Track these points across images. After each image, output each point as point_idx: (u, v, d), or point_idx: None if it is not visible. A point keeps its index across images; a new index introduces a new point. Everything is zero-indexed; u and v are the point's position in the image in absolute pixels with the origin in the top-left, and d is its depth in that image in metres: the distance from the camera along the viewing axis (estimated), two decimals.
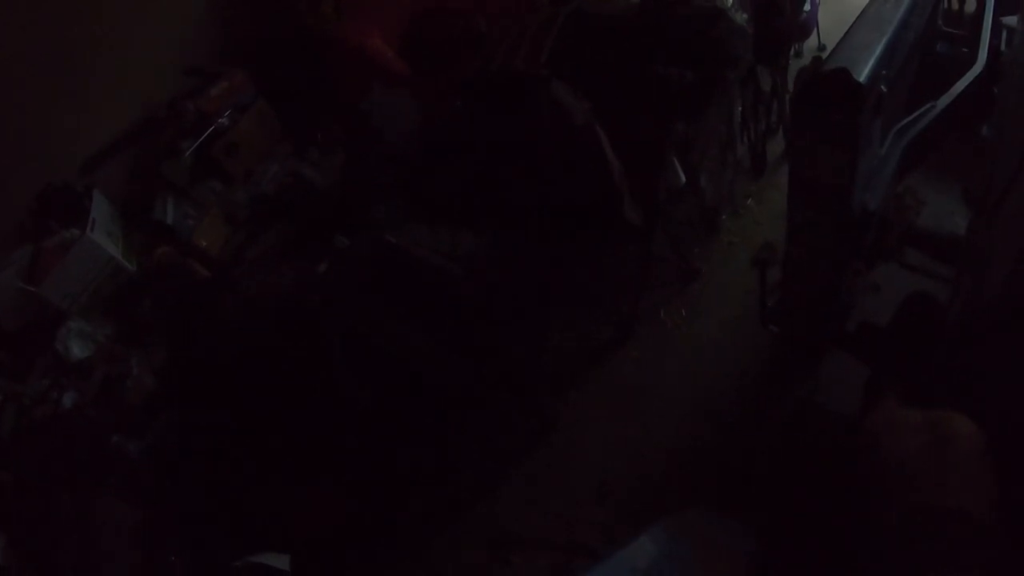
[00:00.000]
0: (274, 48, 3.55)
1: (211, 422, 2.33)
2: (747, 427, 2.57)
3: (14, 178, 2.92)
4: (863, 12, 2.03)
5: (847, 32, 1.94)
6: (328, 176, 3.27)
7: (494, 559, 2.39)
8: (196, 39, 3.47)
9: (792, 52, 3.60)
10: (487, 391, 2.43)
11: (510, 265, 2.41)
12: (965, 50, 2.58)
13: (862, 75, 1.73)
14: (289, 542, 2.17)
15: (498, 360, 2.44)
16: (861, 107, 1.74)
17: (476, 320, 2.36)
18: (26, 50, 2.85)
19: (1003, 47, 2.45)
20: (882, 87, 1.84)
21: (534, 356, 2.67)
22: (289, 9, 3.48)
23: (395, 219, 2.60)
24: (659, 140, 2.64)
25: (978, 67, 2.31)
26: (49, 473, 2.43)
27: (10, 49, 2.80)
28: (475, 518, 2.50)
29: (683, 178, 2.78)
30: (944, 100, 2.21)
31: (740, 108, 3.14)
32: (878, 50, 1.83)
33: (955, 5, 3.02)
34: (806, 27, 3.63)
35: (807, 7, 3.42)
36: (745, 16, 2.75)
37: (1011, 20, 2.48)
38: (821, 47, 3.92)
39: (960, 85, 2.24)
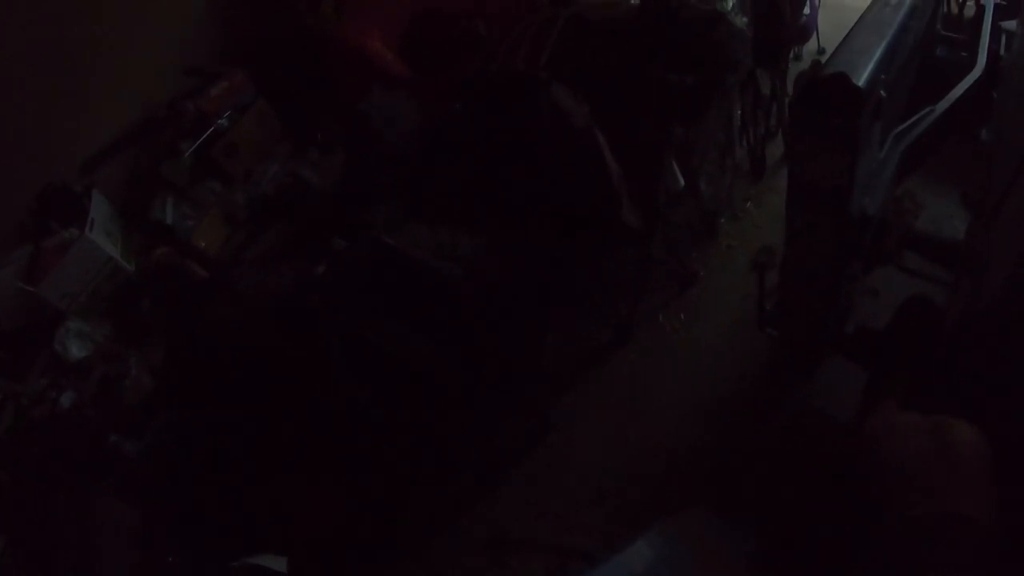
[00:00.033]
0: (274, 48, 3.56)
1: (210, 422, 2.33)
2: (745, 430, 2.57)
3: (13, 178, 2.92)
4: (862, 16, 2.03)
5: (846, 36, 1.94)
6: (327, 177, 3.27)
7: (492, 561, 2.39)
8: (196, 39, 3.47)
9: (792, 56, 3.60)
10: (486, 392, 2.43)
11: (508, 267, 2.41)
12: (964, 54, 2.58)
13: (861, 79, 1.74)
14: (288, 543, 2.17)
15: (497, 361, 2.44)
16: (860, 111, 1.75)
17: (475, 321, 2.36)
18: (26, 50, 2.86)
19: (1002, 51, 2.45)
20: (881, 91, 1.84)
21: (533, 358, 2.67)
22: (289, 9, 3.49)
23: (394, 220, 2.60)
24: (658, 143, 2.64)
25: (977, 71, 2.31)
26: (47, 473, 2.43)
27: (10, 49, 2.80)
28: (473, 519, 2.49)
29: (682, 182, 2.78)
30: (943, 104, 2.22)
31: (739, 111, 3.14)
32: (877, 54, 1.84)
33: (954, 9, 3.03)
34: (806, 31, 3.63)
35: (807, 11, 3.43)
36: (745, 19, 2.75)
37: (1010, 24, 2.48)
38: (821, 51, 3.92)
39: (959, 89, 2.24)
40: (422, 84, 3.16)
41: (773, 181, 3.45)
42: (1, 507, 2.37)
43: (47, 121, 2.99)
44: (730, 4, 2.71)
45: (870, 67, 1.79)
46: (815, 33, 3.80)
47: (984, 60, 2.35)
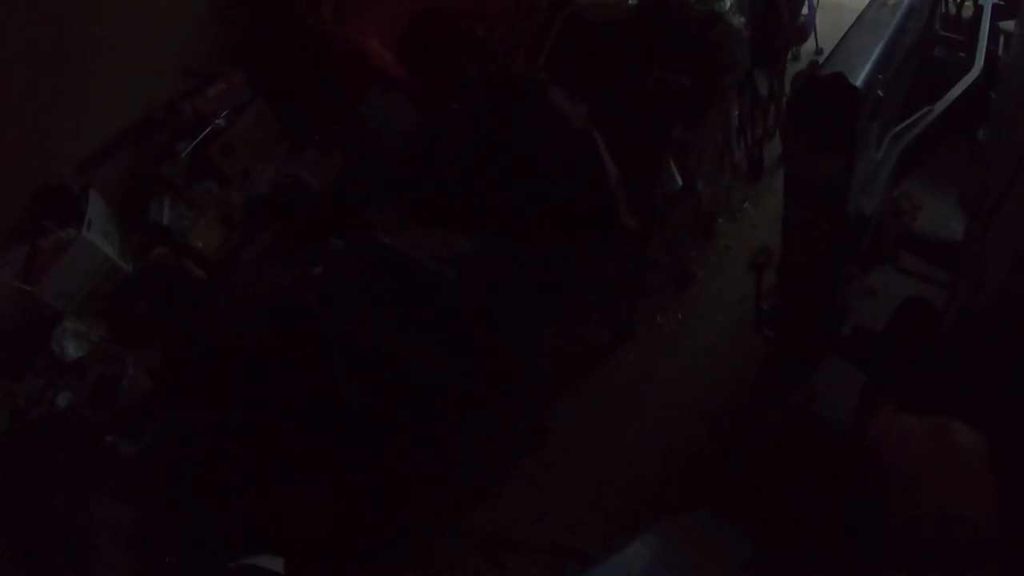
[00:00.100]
0: (273, 49, 3.56)
1: (207, 423, 2.33)
2: (743, 432, 2.57)
3: (11, 178, 2.93)
4: (860, 16, 2.03)
5: (844, 36, 1.94)
6: (325, 177, 3.27)
7: (490, 561, 2.38)
8: (195, 39, 3.47)
9: (790, 56, 3.60)
10: (484, 393, 2.43)
11: (506, 268, 2.41)
12: (962, 55, 2.58)
13: (859, 79, 1.73)
14: (285, 543, 2.16)
15: (495, 362, 2.44)
16: (857, 111, 1.74)
17: (473, 322, 2.36)
18: (25, 50, 2.86)
19: (1000, 52, 2.45)
20: (879, 91, 1.84)
21: (531, 359, 2.67)
22: (289, 10, 3.49)
23: (392, 221, 2.60)
24: (656, 144, 2.64)
25: (975, 72, 2.31)
26: (44, 474, 2.43)
27: (9, 49, 2.81)
28: (472, 520, 2.49)
29: (680, 182, 2.78)
30: (941, 105, 2.21)
31: (737, 112, 3.14)
32: (875, 54, 1.83)
33: (953, 10, 3.03)
34: (804, 31, 3.63)
35: (805, 11, 3.42)
36: (743, 20, 2.74)
37: (1008, 25, 2.48)
38: (819, 51, 3.92)
39: (957, 90, 2.24)
40: (421, 85, 3.15)
41: (771, 182, 3.45)
42: None
43: (45, 121, 2.99)
44: (728, 4, 2.71)
45: (867, 67, 1.78)
46: (813, 33, 3.80)
47: (982, 61, 2.35)
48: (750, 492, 2.35)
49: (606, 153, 2.44)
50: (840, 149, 1.80)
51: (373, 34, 3.24)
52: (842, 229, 1.98)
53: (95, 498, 2.38)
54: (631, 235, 2.62)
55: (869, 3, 2.07)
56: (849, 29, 1.98)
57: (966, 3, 3.07)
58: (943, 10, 2.88)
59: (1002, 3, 2.55)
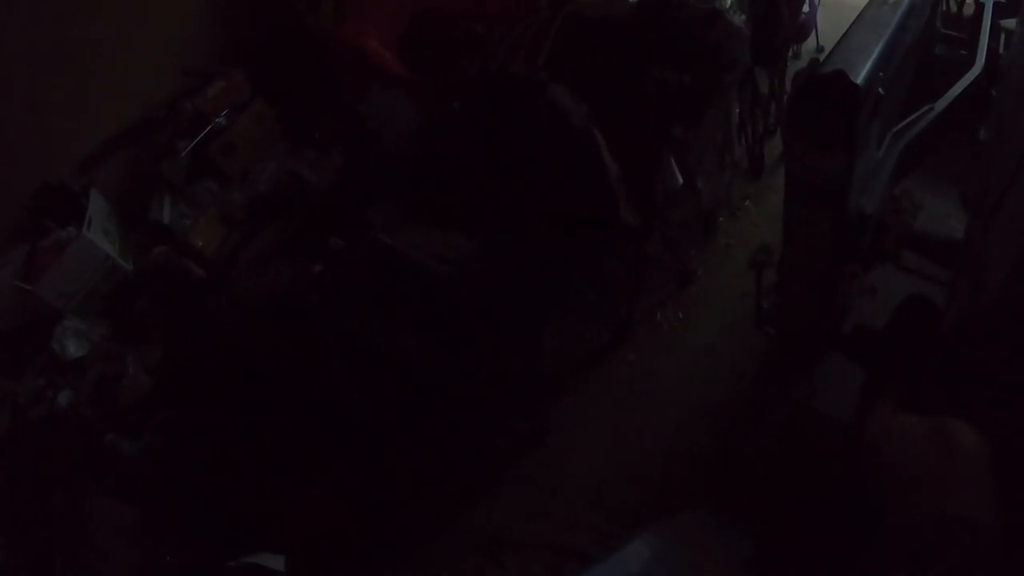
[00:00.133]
0: (273, 48, 3.55)
1: (207, 422, 2.33)
2: (743, 430, 2.56)
3: (11, 177, 2.93)
4: (861, 14, 2.02)
5: (845, 34, 1.94)
6: (325, 176, 3.26)
7: (490, 561, 2.38)
8: (195, 39, 3.47)
9: (790, 54, 3.60)
10: (483, 393, 2.43)
11: (506, 267, 2.41)
12: (963, 53, 2.58)
13: (859, 77, 1.73)
14: (285, 543, 2.17)
15: (495, 362, 2.44)
16: (858, 109, 1.74)
17: (473, 322, 2.36)
18: (25, 50, 2.86)
19: (1001, 50, 2.45)
20: (879, 89, 1.84)
21: (531, 358, 2.67)
22: (289, 10, 3.49)
23: (392, 220, 2.60)
24: (656, 142, 2.63)
25: (976, 70, 2.31)
26: (44, 472, 2.43)
27: (10, 49, 2.80)
28: (471, 519, 2.49)
29: (680, 180, 2.78)
30: (942, 103, 2.21)
31: (738, 110, 3.13)
32: (876, 52, 1.83)
33: (954, 8, 3.02)
34: (804, 29, 3.62)
35: (805, 9, 3.42)
36: (743, 18, 2.74)
37: (1009, 23, 2.48)
38: (820, 49, 3.91)
39: (958, 88, 2.24)
40: (421, 84, 3.15)
41: (772, 180, 3.44)
42: None
43: (45, 121, 2.99)
44: (728, 2, 2.70)
45: (868, 65, 1.78)
46: (814, 31, 3.79)
47: (983, 58, 2.35)
48: (750, 491, 2.35)
49: (606, 151, 2.44)
50: (841, 147, 1.80)
51: (373, 33, 3.24)
52: (843, 227, 1.98)
53: (95, 497, 2.38)
54: (631, 233, 2.62)
55: (870, 1, 2.07)
56: (850, 27, 1.97)
57: (967, 1, 3.06)
58: (944, 8, 2.87)
59: (1003, 1, 2.55)
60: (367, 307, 2.29)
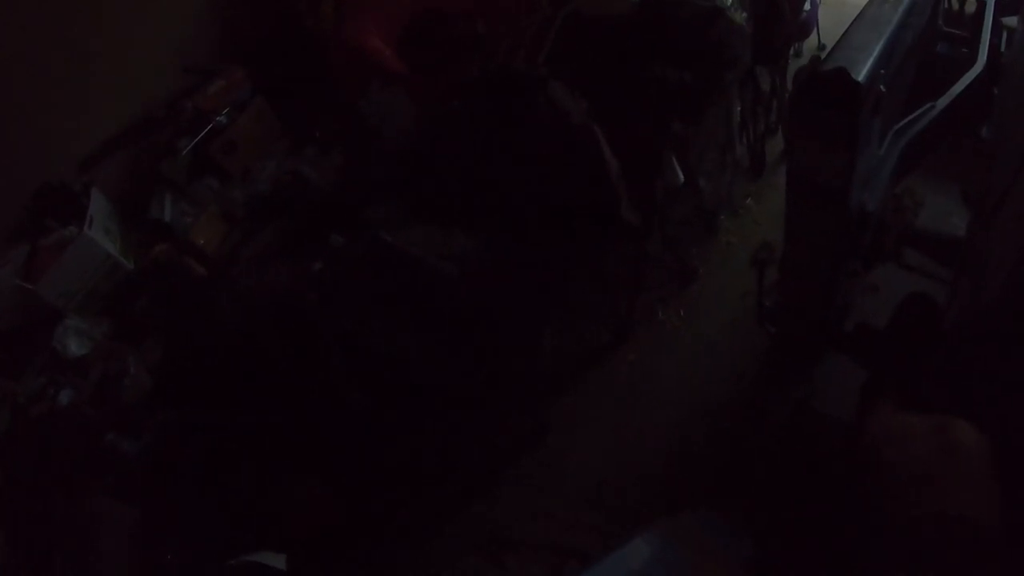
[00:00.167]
0: (273, 47, 3.55)
1: (208, 421, 2.33)
2: (744, 430, 2.56)
3: (12, 176, 2.92)
4: (862, 12, 2.01)
5: (846, 32, 1.93)
6: (326, 174, 3.26)
7: (489, 560, 2.38)
8: (195, 38, 3.47)
9: (792, 52, 3.59)
10: (484, 392, 2.42)
11: (507, 265, 2.40)
12: (965, 50, 2.57)
13: (861, 74, 1.72)
14: (285, 541, 2.16)
15: (495, 361, 2.44)
16: (860, 107, 1.73)
17: (473, 320, 2.36)
18: (26, 49, 2.85)
19: (1003, 48, 2.44)
20: (881, 87, 1.83)
21: (531, 357, 2.66)
22: (289, 9, 3.48)
23: (392, 218, 2.59)
24: (657, 140, 2.63)
25: (978, 67, 2.30)
26: (45, 472, 2.43)
27: (10, 48, 2.80)
28: (471, 519, 2.49)
29: (681, 178, 2.78)
30: (943, 101, 2.20)
31: (739, 108, 3.13)
32: (877, 50, 1.82)
33: (955, 5, 3.01)
34: (806, 27, 3.62)
35: (807, 7, 3.41)
36: (744, 15, 2.73)
37: (1011, 20, 2.47)
38: (821, 47, 3.91)
39: (960, 86, 2.23)
40: (421, 83, 3.15)
41: (773, 178, 3.44)
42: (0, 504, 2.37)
43: (45, 120, 2.99)
44: (729, 0, 2.70)
45: (870, 63, 1.77)
46: (815, 29, 3.79)
47: (985, 56, 2.34)
48: (750, 491, 2.34)
49: (607, 149, 2.43)
50: (842, 145, 1.79)
51: (373, 32, 3.23)
52: (844, 225, 1.97)
53: (97, 496, 2.38)
54: (632, 231, 2.61)
55: None
56: (851, 24, 1.96)
57: None
58: (946, 5, 2.86)
59: None
60: (367, 305, 2.29)
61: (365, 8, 3.32)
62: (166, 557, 2.29)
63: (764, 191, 3.42)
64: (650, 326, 2.97)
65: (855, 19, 1.99)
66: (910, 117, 2.21)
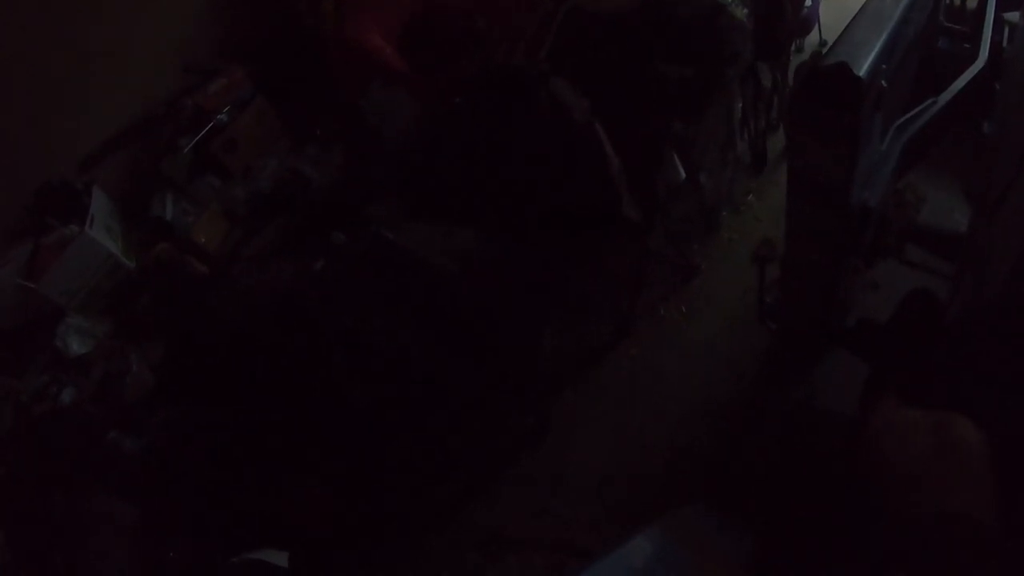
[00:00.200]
0: (274, 46, 3.55)
1: (210, 419, 2.33)
2: (745, 427, 2.56)
3: (13, 176, 2.93)
4: (863, 7, 2.01)
5: (847, 27, 1.92)
6: (326, 173, 3.27)
7: (490, 559, 2.38)
8: (196, 37, 3.47)
9: (793, 48, 3.58)
10: (485, 390, 2.42)
11: (508, 263, 2.40)
12: (967, 46, 2.56)
13: (862, 70, 1.71)
14: (286, 540, 2.16)
15: (495, 359, 2.44)
16: (861, 102, 1.73)
17: (474, 318, 2.35)
18: (26, 49, 2.86)
19: (1005, 43, 2.43)
20: (882, 82, 1.82)
21: (532, 355, 2.66)
22: (289, 8, 3.48)
23: (393, 216, 2.59)
24: (658, 137, 2.63)
25: (980, 63, 2.29)
26: (47, 470, 2.43)
27: (10, 48, 2.81)
28: (471, 518, 2.49)
29: (683, 175, 2.77)
30: (945, 96, 2.19)
31: (740, 104, 3.12)
32: (878, 45, 1.81)
33: (957, 1, 3.00)
34: (807, 23, 3.60)
35: (808, 2, 3.40)
36: (745, 11, 2.72)
37: (1013, 16, 2.46)
38: (823, 43, 3.89)
39: (961, 81, 2.22)
40: (422, 81, 3.14)
41: (774, 174, 3.43)
42: (0, 503, 2.37)
43: (46, 120, 2.99)
44: None
45: (871, 58, 1.76)
46: (817, 25, 3.77)
47: (987, 52, 2.33)
48: (751, 490, 2.34)
49: (608, 145, 2.43)
50: (844, 141, 1.78)
51: (374, 30, 3.23)
52: (846, 221, 1.97)
53: (98, 495, 2.38)
54: (633, 228, 2.61)
55: None
56: (852, 20, 1.96)
57: None
58: (947, 1, 2.85)
59: None
60: (368, 303, 2.29)
61: (365, 7, 3.32)
62: (167, 556, 2.29)
63: (765, 187, 3.41)
64: (652, 322, 2.97)
65: (856, 14, 1.98)
66: (912, 113, 2.20)
